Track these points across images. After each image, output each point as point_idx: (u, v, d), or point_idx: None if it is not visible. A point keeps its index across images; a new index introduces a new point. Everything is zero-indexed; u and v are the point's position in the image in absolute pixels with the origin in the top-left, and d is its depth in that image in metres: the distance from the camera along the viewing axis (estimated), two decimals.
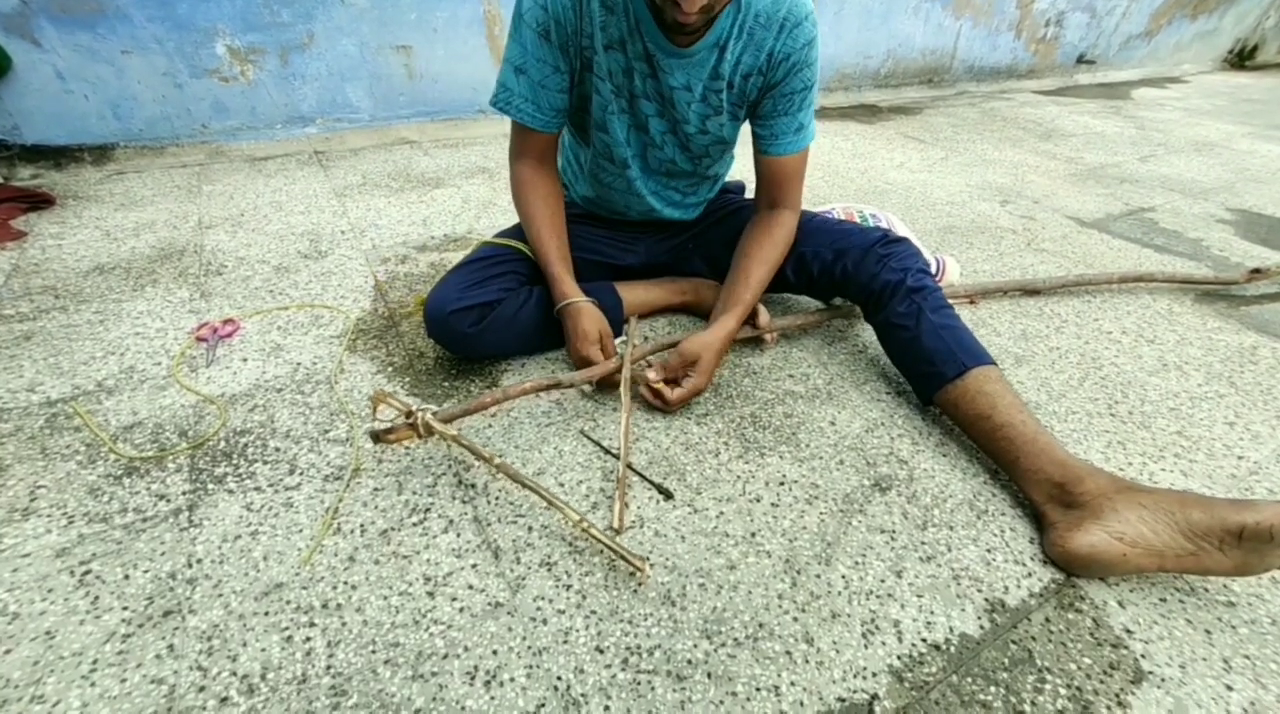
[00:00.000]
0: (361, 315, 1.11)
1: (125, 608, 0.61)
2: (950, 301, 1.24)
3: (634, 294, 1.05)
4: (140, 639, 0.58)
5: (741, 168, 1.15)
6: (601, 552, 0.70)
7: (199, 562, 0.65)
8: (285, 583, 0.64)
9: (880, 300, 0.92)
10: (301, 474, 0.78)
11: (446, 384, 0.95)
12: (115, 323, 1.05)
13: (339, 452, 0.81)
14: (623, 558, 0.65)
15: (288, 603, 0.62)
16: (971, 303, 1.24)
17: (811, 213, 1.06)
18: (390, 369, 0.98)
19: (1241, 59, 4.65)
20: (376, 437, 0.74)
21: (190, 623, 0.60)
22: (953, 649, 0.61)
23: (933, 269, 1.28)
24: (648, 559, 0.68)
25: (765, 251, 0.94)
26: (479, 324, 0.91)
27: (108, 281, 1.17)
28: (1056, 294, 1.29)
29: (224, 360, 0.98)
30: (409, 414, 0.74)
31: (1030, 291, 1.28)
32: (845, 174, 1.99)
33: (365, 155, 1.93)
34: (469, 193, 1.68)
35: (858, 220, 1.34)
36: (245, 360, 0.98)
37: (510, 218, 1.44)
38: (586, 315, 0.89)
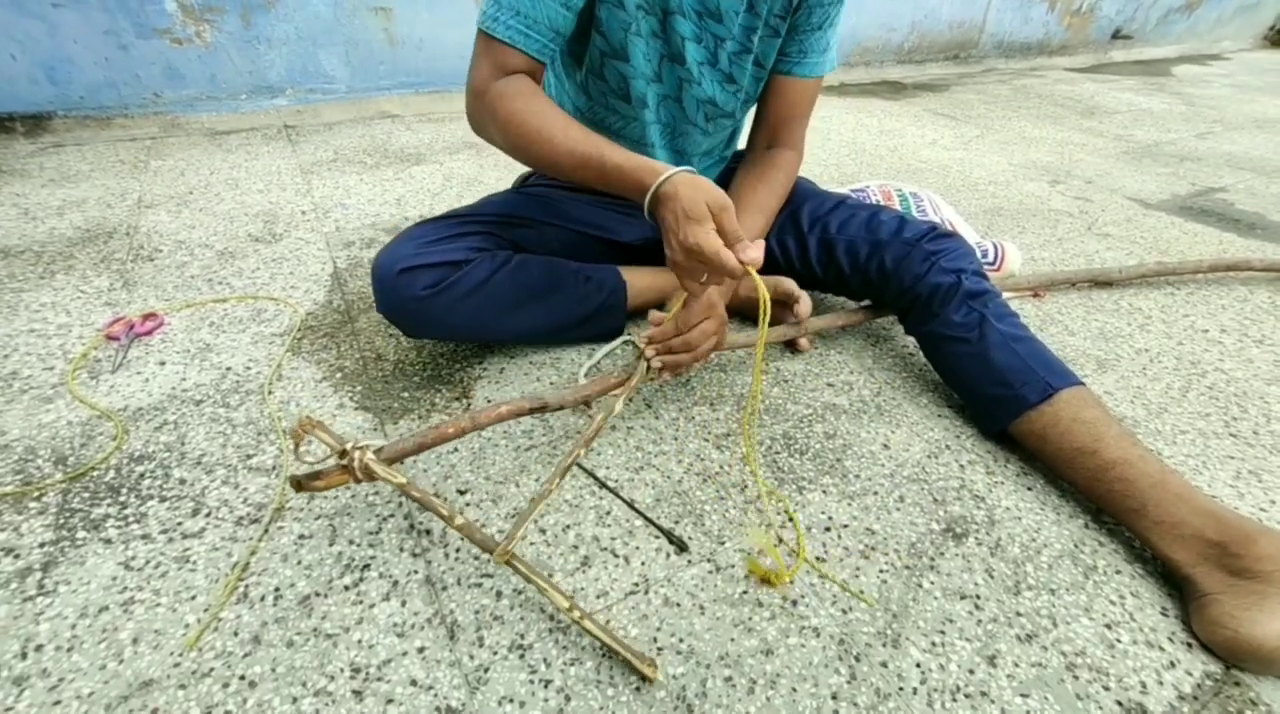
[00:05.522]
0: (313, 308, 0.93)
1: None
2: (1013, 295, 1.08)
3: (640, 279, 0.87)
4: None
5: None
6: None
7: (38, 650, 0.48)
8: (156, 680, 0.47)
9: (929, 307, 0.74)
10: (208, 516, 0.60)
11: (406, 395, 0.77)
12: (8, 317, 0.87)
13: (261, 485, 0.64)
14: (624, 660, 0.48)
15: (154, 713, 0.45)
16: (1036, 296, 1.05)
17: (842, 194, 0.88)
18: (339, 375, 0.80)
19: None
20: (299, 484, 0.56)
21: None
22: None
23: (990, 257, 1.09)
24: (654, 662, 0.49)
25: (760, 196, 0.78)
26: (436, 287, 0.71)
27: (10, 267, 0.99)
28: (1133, 285, 1.10)
29: (136, 364, 0.80)
30: (342, 453, 0.55)
31: (1103, 283, 1.09)
32: (874, 152, 1.79)
33: (340, 130, 1.74)
34: (452, 169, 1.50)
35: (897, 202, 1.15)
36: (163, 364, 0.80)
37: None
38: (687, 185, 0.55)
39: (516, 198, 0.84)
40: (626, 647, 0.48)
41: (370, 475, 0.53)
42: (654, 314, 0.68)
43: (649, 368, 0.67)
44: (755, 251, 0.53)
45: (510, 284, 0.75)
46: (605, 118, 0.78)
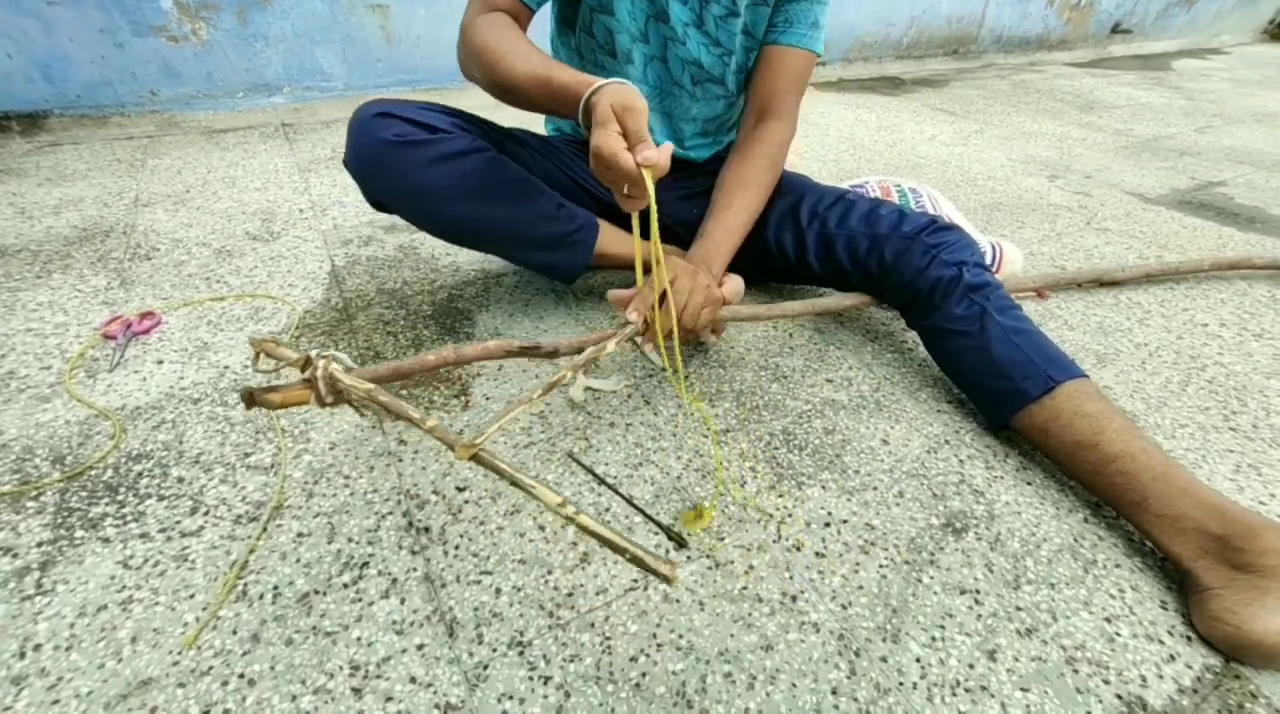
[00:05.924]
0: (311, 306, 0.93)
1: None
2: (1015, 295, 1.07)
3: (614, 232, 0.84)
4: None
5: None
6: (593, 626, 0.52)
7: (36, 649, 0.48)
8: (155, 679, 0.47)
9: (930, 301, 0.74)
10: (207, 514, 0.60)
11: (404, 393, 0.77)
12: (5, 316, 0.87)
13: (259, 483, 0.63)
14: (637, 561, 0.40)
15: (152, 712, 0.45)
16: (1039, 296, 1.05)
17: (841, 189, 0.88)
18: None
19: None
20: (252, 397, 0.49)
21: None
22: None
23: (987, 258, 1.09)
24: (671, 562, 0.47)
25: (744, 172, 0.78)
26: (408, 138, 0.68)
27: (7, 266, 0.98)
28: (1132, 280, 1.10)
29: (134, 362, 0.80)
30: (305, 363, 0.49)
31: (1108, 283, 1.08)
32: (872, 148, 1.78)
33: (338, 127, 1.74)
34: None
35: (895, 197, 1.15)
36: (161, 362, 0.80)
37: None
38: (607, 93, 0.52)
39: (522, 131, 0.85)
40: (635, 544, 0.41)
41: (335, 389, 0.48)
42: (612, 294, 0.68)
43: (638, 337, 0.64)
44: (653, 152, 0.49)
45: (484, 171, 0.72)
46: (596, 75, 0.78)
